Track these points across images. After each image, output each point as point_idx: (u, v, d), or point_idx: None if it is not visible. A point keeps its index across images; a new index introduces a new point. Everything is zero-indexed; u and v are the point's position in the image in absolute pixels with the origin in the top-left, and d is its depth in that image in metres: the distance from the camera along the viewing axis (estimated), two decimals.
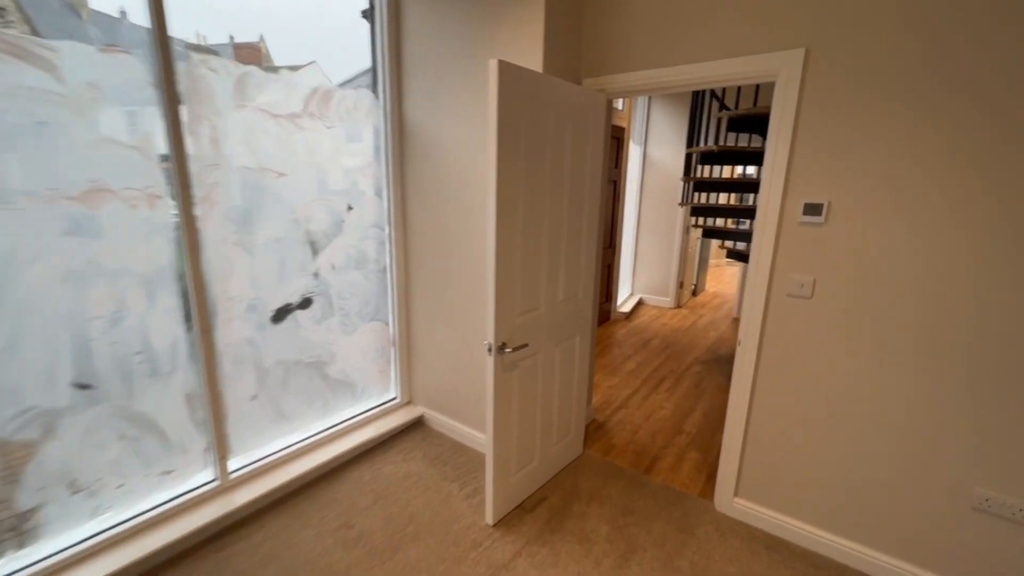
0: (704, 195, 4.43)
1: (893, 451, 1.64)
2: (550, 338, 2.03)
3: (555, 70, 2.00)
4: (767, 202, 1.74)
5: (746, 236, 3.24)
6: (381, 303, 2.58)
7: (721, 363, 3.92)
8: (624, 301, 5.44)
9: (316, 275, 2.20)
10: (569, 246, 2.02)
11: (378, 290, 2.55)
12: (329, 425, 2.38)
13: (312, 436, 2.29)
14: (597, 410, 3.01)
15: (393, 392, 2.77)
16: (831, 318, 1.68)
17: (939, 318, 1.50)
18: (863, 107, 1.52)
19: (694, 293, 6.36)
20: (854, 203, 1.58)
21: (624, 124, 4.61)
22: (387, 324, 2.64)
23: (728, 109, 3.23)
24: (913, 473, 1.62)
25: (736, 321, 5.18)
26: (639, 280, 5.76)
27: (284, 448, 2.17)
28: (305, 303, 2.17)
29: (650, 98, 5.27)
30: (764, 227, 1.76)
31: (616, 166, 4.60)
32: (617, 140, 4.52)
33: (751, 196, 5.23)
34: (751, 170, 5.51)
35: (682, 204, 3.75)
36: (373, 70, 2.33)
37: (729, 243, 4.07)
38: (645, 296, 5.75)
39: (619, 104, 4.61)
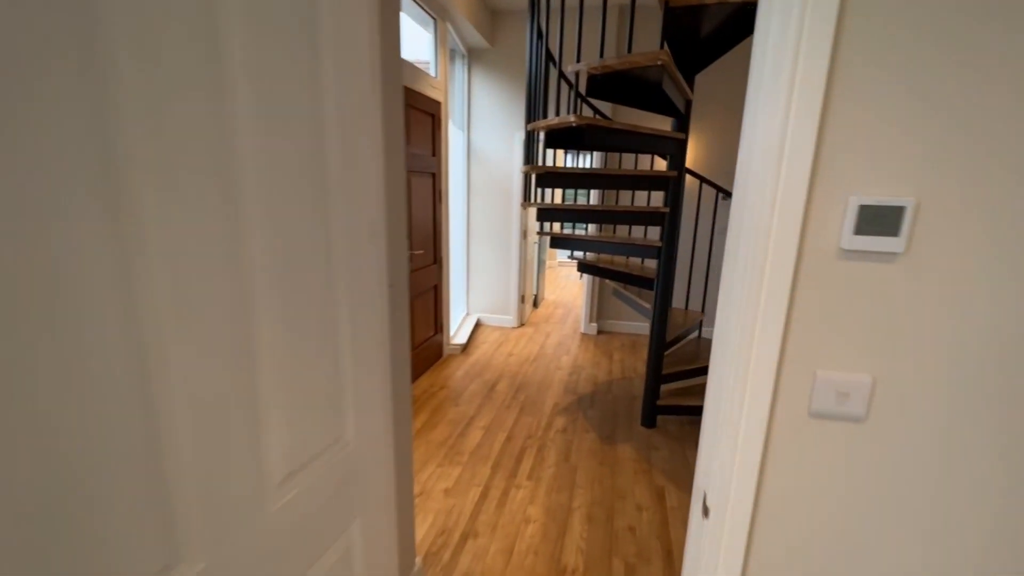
0: (549, 192, 3.53)
1: None
2: None
3: None
4: (761, 201, 0.73)
5: (636, 250, 2.38)
6: None
7: (584, 406, 3.08)
8: (459, 328, 4.31)
9: None
10: (294, 323, 0.72)
11: None
12: None
13: None
14: (429, 558, 1.77)
15: None
16: (913, 463, 0.75)
17: None
18: None
19: (535, 304, 5.62)
20: (978, 207, 0.66)
21: (440, 98, 3.44)
22: None
23: (555, 63, 2.32)
24: None
25: (585, 337, 4.53)
26: (475, 298, 4.71)
27: None
28: None
29: (470, 67, 4.21)
30: (753, 263, 0.75)
31: (433, 153, 3.41)
32: (432, 117, 3.33)
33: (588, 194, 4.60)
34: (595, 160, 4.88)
35: (526, 204, 2.75)
36: None
37: (579, 253, 3.26)
38: (484, 316, 4.73)
39: (432, 69, 3.42)
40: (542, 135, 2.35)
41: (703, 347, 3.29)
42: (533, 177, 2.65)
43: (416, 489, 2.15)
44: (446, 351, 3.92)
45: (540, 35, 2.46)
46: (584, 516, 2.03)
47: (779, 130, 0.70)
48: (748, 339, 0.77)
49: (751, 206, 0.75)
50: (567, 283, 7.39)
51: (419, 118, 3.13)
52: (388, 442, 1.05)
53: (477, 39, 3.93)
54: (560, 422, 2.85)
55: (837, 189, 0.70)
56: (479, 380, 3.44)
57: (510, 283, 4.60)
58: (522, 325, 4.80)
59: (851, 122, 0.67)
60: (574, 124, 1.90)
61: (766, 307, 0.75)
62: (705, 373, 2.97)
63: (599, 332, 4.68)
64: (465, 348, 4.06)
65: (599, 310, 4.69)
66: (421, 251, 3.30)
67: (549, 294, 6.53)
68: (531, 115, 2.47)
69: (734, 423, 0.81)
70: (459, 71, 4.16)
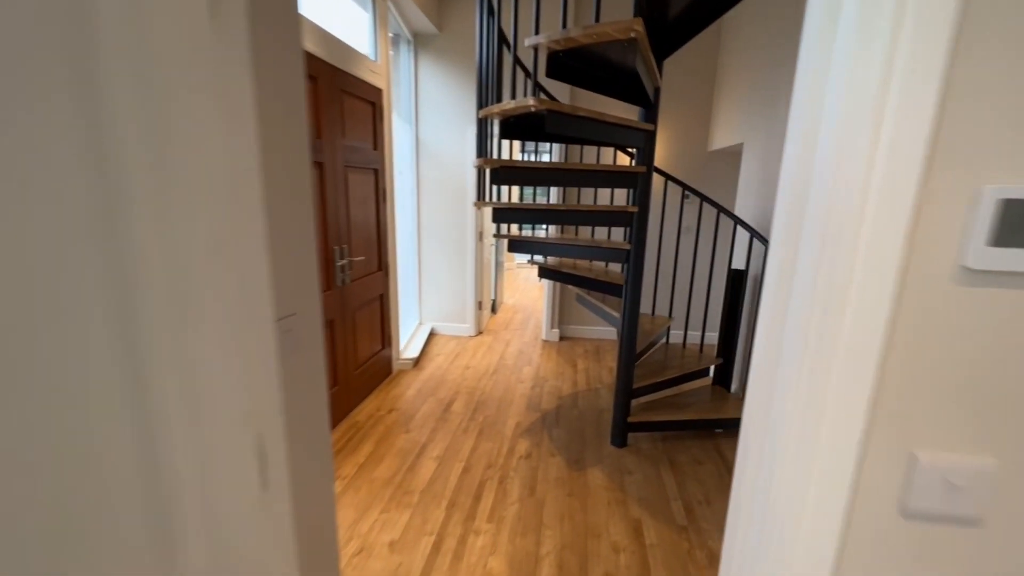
0: (505, 191, 3.23)
1: None
2: None
3: None
4: (839, 202, 0.47)
5: (603, 253, 2.12)
6: None
7: (549, 425, 2.82)
8: (410, 340, 3.94)
9: None
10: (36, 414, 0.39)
11: None
12: None
13: None
14: None
15: None
16: None
17: None
18: None
19: (493, 310, 5.33)
20: None
21: (381, 85, 3.07)
22: None
23: (509, 46, 2.05)
24: None
25: (547, 344, 4.28)
26: (428, 306, 4.35)
27: None
28: None
29: (416, 54, 3.85)
30: (827, 293, 0.49)
31: (375, 147, 3.03)
32: (372, 106, 2.95)
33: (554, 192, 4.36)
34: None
35: (479, 203, 2.45)
36: None
37: (540, 257, 2.99)
38: (438, 325, 4.38)
39: (371, 52, 3.04)
40: (496, 125, 2.06)
41: (672, 354, 3.11)
42: (487, 173, 2.35)
43: (355, 546, 1.80)
44: (396, 367, 3.55)
45: (492, 12, 2.17)
46: (554, 565, 1.75)
47: (875, 91, 0.44)
48: (817, 405, 0.51)
49: (819, 209, 0.48)
50: (526, 285, 7.14)
51: (356, 106, 2.75)
52: (285, 560, 0.71)
53: (424, 23, 3.59)
54: (523, 446, 2.57)
55: (964, 177, 0.44)
56: (433, 399, 3.10)
57: (466, 288, 4.27)
58: (480, 333, 4.48)
59: (991, 72, 0.42)
60: (533, 109, 1.62)
61: (847, 359, 0.49)
62: (675, 384, 2.78)
63: (561, 338, 4.44)
64: (418, 362, 3.70)
65: (561, 315, 4.45)
66: (362, 257, 2.92)
67: (508, 298, 6.25)
68: (483, 102, 2.16)
69: (791, 525, 0.55)
70: (404, 58, 3.79)
